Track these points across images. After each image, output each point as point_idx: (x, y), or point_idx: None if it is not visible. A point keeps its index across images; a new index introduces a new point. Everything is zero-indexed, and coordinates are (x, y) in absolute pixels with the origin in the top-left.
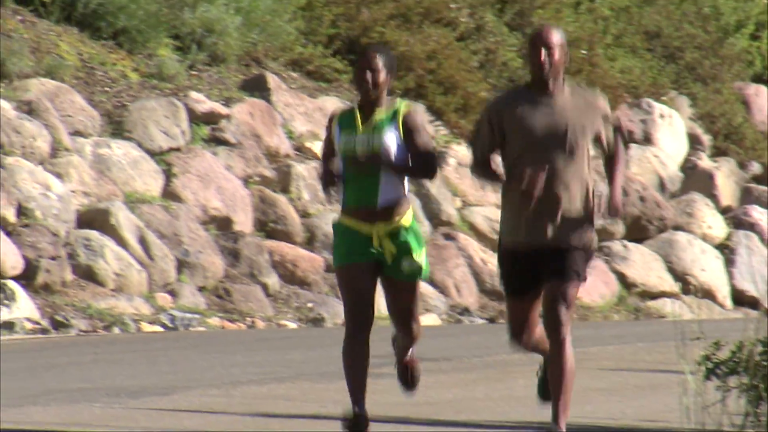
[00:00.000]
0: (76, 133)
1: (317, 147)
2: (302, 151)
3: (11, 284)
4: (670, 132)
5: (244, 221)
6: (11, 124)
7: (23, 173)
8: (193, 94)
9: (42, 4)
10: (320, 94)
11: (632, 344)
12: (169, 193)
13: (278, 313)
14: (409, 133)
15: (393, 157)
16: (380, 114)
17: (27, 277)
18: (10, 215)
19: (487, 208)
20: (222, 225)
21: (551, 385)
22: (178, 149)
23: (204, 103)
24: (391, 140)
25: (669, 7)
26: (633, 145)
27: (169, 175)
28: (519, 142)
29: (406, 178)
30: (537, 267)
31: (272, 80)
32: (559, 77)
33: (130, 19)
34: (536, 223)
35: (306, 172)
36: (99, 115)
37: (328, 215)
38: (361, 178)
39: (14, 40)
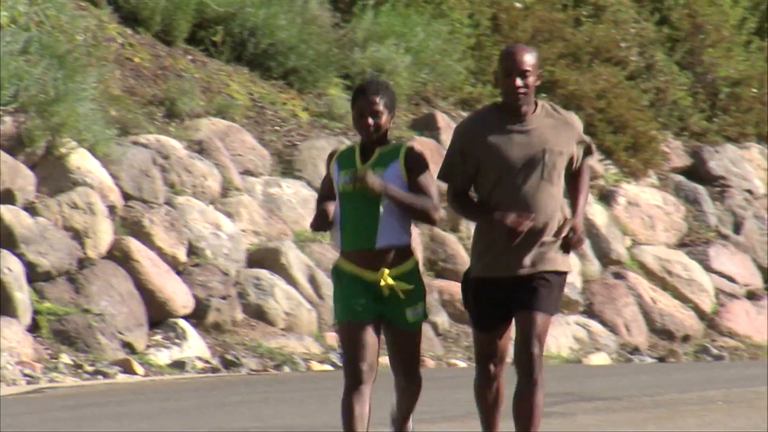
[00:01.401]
0: (247, 173)
1: None
2: None
3: (182, 323)
4: None
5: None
6: (182, 163)
7: (194, 213)
8: None
9: (213, 44)
10: None
11: None
12: None
13: (448, 352)
14: (411, 171)
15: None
16: (381, 151)
17: (198, 316)
18: (181, 254)
19: (657, 246)
20: None
21: (518, 426)
22: None
23: None
24: (394, 178)
25: None
26: None
27: None
28: (494, 171)
29: (410, 222)
30: (509, 296)
31: (442, 119)
32: (532, 101)
33: (300, 58)
34: (513, 253)
35: None
36: (269, 154)
37: None
38: (360, 218)
39: (185, 80)
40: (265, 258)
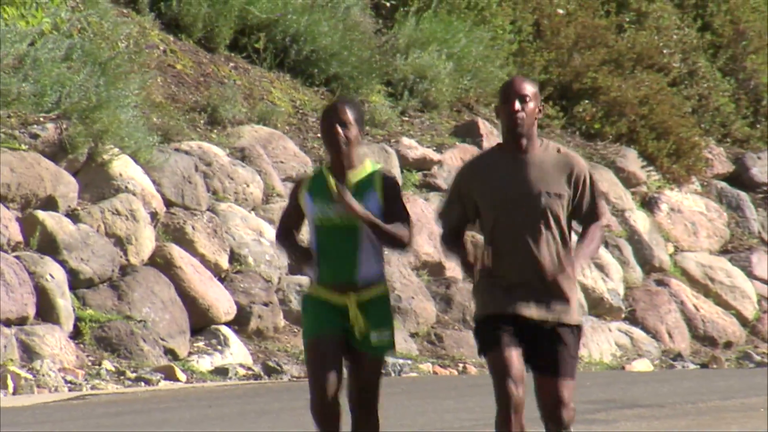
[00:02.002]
0: (289, 179)
1: None
2: None
3: (224, 330)
4: None
5: (455, 267)
6: (224, 170)
7: (236, 219)
8: (405, 140)
9: (255, 51)
10: None
11: None
12: None
13: None
14: (387, 199)
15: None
16: (354, 176)
17: (239, 323)
18: (224, 261)
19: (700, 253)
20: (434, 271)
21: None
22: None
23: (416, 149)
24: (370, 207)
25: None
26: None
27: None
28: (491, 211)
29: (382, 251)
30: (521, 335)
31: (484, 126)
32: (533, 133)
33: (342, 65)
34: (518, 296)
35: None
36: (311, 161)
37: None
38: (338, 250)
39: (227, 87)
40: None
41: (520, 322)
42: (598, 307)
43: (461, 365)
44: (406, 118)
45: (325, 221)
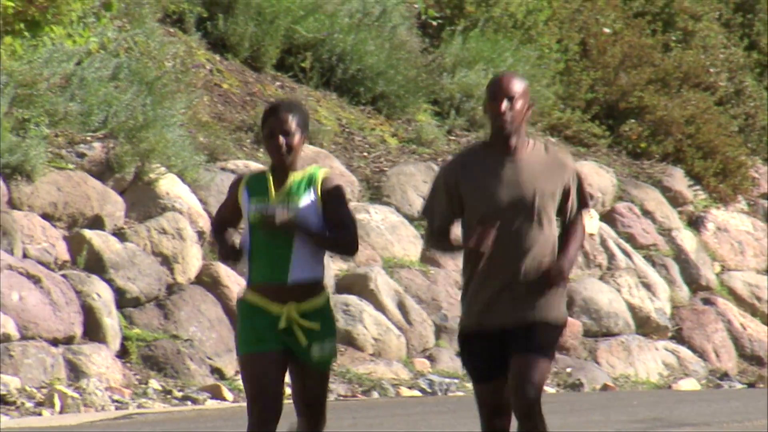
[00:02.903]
0: None
1: None
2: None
3: None
4: None
5: None
6: None
7: None
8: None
9: (301, 70)
10: (578, 158)
11: None
12: (428, 258)
13: None
14: (328, 201)
15: (311, 225)
16: (295, 178)
17: None
18: None
19: (747, 273)
20: None
21: None
22: None
23: None
24: (309, 208)
25: None
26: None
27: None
28: (479, 210)
29: (324, 254)
30: (505, 346)
31: None
32: (522, 132)
33: (388, 84)
34: (505, 302)
35: None
36: (357, 180)
37: (586, 280)
38: (272, 250)
39: None
40: (353, 284)
41: (504, 330)
42: (644, 326)
43: None
44: (453, 137)
45: (261, 220)
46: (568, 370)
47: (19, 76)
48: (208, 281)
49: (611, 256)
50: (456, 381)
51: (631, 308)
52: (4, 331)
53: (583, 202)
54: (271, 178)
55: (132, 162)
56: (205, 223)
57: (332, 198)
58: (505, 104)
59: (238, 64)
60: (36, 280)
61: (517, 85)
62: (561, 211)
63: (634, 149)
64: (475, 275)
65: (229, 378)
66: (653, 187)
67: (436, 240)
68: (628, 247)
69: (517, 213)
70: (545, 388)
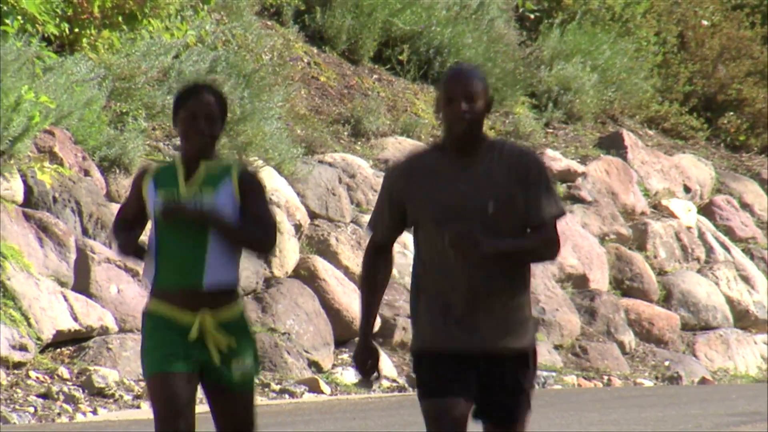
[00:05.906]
0: None
1: (674, 205)
2: (658, 209)
3: None
4: None
5: (600, 279)
6: (368, 182)
7: None
8: (549, 152)
9: (399, 63)
10: (676, 151)
11: None
12: None
13: (635, 371)
14: (246, 194)
15: (225, 219)
16: (209, 169)
17: (384, 335)
18: None
19: None
20: (578, 283)
21: None
22: None
23: (560, 161)
24: (224, 201)
25: None
26: None
27: None
28: (428, 222)
29: (240, 256)
30: (467, 373)
31: (628, 138)
32: (480, 134)
33: (486, 77)
34: (464, 325)
35: (662, 230)
36: None
37: (684, 273)
38: (183, 250)
39: (371, 99)
40: None
41: (462, 356)
42: (743, 319)
43: (606, 377)
44: (551, 130)
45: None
46: (666, 363)
47: (117, 70)
48: (305, 275)
49: (709, 250)
50: (554, 374)
51: (730, 301)
52: (102, 324)
53: (553, 208)
54: (181, 168)
55: (230, 155)
56: (302, 216)
57: (249, 190)
58: (464, 105)
59: (335, 57)
60: (134, 273)
61: (477, 84)
62: (526, 218)
63: (732, 142)
64: (431, 295)
65: (326, 371)
66: (752, 179)
67: (368, 260)
68: (726, 240)
69: (470, 224)
70: (641, 380)
